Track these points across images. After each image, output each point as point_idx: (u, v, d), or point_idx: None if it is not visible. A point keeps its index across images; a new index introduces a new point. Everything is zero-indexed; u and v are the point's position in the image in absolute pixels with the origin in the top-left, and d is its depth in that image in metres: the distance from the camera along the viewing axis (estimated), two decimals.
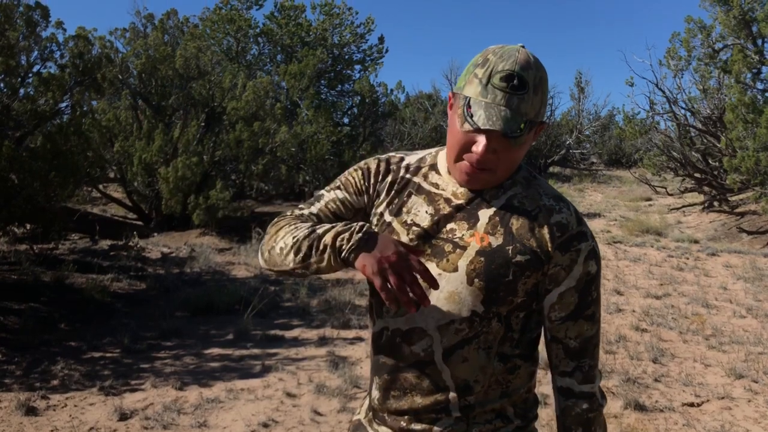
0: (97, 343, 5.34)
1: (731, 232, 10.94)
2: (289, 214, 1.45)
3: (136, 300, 6.67)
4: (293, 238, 1.31)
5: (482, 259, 1.29)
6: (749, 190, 10.66)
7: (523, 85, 1.23)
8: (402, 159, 1.48)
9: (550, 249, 1.29)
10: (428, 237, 1.35)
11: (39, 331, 5.40)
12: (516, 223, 1.31)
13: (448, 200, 1.36)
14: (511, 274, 1.28)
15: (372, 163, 1.48)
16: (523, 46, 1.28)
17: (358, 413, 1.53)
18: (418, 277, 1.20)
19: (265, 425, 3.84)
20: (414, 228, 1.36)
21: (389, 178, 1.44)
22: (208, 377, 4.63)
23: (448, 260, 1.31)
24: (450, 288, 1.30)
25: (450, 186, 1.38)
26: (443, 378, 1.33)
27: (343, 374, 4.57)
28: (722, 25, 11.37)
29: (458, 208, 1.35)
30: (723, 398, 4.22)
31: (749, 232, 10.57)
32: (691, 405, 4.13)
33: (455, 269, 1.31)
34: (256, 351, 5.21)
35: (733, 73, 10.67)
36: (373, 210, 1.45)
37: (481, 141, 1.25)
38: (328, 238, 1.26)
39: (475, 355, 1.32)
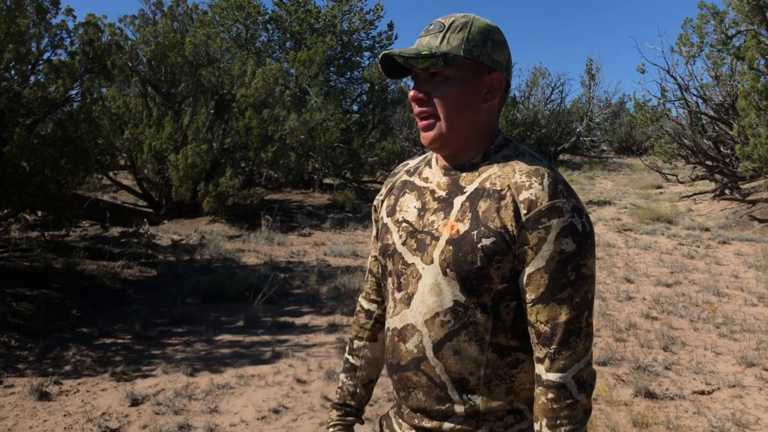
0: (109, 329, 5.38)
1: (743, 220, 10.86)
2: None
3: (147, 287, 6.71)
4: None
5: (451, 248, 1.28)
6: (761, 178, 10.56)
7: (440, 26, 1.32)
8: (406, 164, 1.55)
9: (515, 229, 1.24)
10: (414, 232, 1.36)
11: (51, 318, 5.45)
12: (483, 206, 1.28)
13: (432, 192, 1.38)
14: (479, 261, 1.25)
15: (384, 183, 1.58)
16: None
17: (393, 406, 1.54)
18: None
19: (276, 411, 3.86)
20: (403, 224, 1.39)
21: (390, 185, 1.53)
22: (218, 363, 4.66)
23: (427, 253, 1.32)
24: (430, 281, 1.30)
25: (436, 178, 1.39)
26: (437, 373, 1.31)
27: None
28: (735, 10, 11.22)
29: (439, 200, 1.35)
30: (734, 386, 4.20)
31: (761, 220, 10.49)
32: (702, 393, 4.12)
33: (432, 261, 1.30)
34: (266, 337, 5.24)
35: (746, 59, 10.54)
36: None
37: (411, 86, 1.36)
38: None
39: (466, 347, 1.29)
